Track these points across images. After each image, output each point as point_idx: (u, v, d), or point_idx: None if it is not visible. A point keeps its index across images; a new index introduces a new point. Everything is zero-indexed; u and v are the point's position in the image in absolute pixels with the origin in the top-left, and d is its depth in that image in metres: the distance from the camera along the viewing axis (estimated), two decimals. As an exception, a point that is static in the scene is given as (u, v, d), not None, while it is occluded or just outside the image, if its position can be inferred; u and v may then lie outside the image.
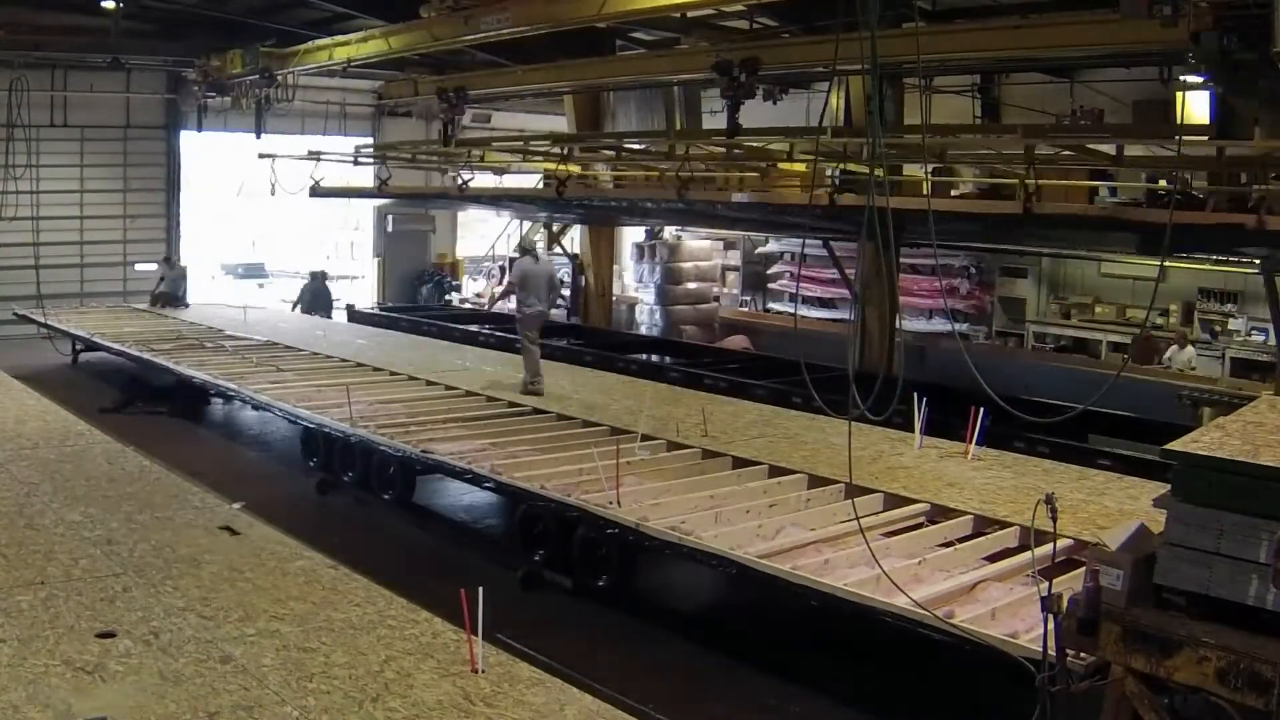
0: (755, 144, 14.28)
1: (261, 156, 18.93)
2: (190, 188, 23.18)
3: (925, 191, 10.58)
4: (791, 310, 21.24)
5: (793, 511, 8.18)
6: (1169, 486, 4.93)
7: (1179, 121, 12.61)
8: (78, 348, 17.47)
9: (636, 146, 17.16)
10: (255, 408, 12.62)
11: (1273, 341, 15.25)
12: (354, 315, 20.69)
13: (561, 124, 22.28)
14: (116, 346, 15.80)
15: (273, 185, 18.83)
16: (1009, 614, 6.11)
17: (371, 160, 20.08)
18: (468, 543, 9.98)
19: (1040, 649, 4.90)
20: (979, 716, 6.63)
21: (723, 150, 14.86)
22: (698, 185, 15.12)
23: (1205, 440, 5.05)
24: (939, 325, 18.75)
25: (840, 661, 7.24)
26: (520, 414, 11.41)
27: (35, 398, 12.06)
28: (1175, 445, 4.92)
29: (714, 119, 12.79)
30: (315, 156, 19.15)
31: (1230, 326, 16.59)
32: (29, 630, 5.57)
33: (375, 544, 9.41)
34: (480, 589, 5.30)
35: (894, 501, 8.30)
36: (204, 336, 16.45)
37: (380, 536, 9.80)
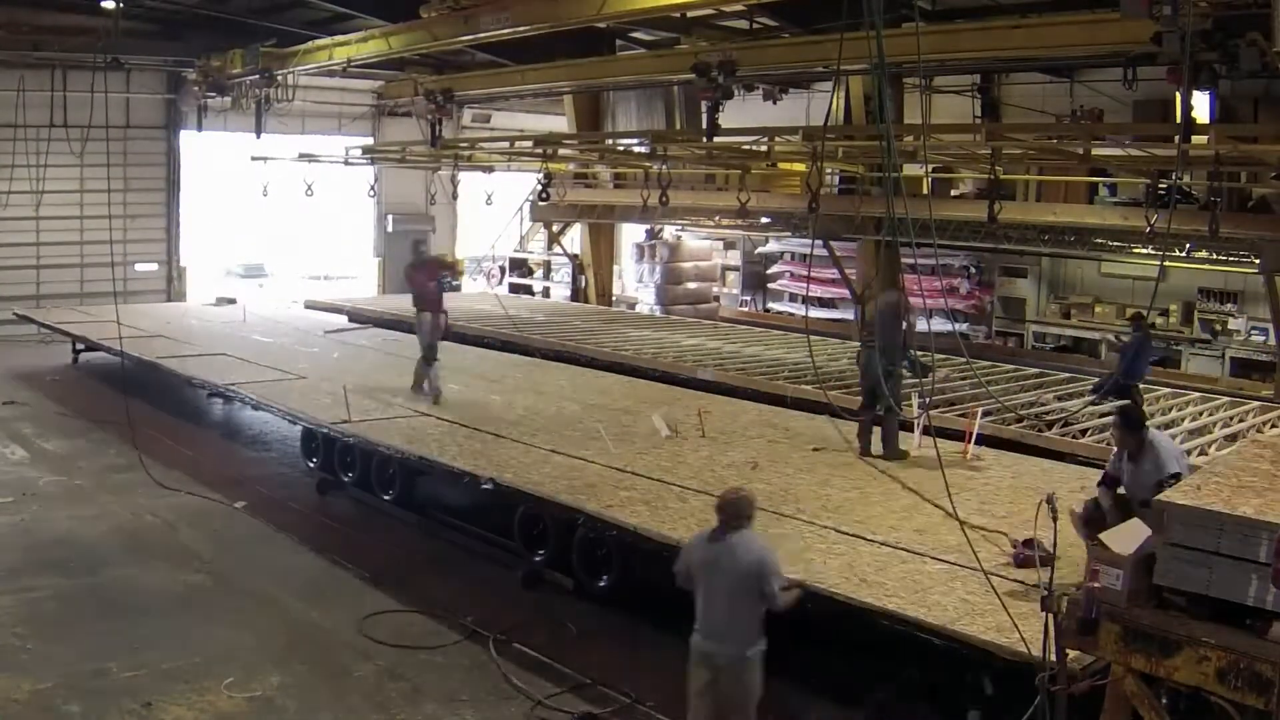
0: (745, 145, 14.22)
1: (254, 159, 18.93)
2: (192, 188, 23.12)
3: (925, 191, 10.60)
4: (791, 310, 21.25)
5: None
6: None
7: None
8: (78, 348, 17.48)
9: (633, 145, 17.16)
10: (255, 408, 12.62)
11: (1273, 341, 15.24)
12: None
13: (561, 124, 22.27)
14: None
15: (265, 187, 18.81)
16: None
17: (360, 162, 20.08)
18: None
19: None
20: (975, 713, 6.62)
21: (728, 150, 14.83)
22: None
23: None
24: (939, 325, 18.68)
25: (838, 660, 7.22)
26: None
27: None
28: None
29: (726, 117, 12.77)
30: (307, 158, 19.17)
31: (1230, 326, 16.57)
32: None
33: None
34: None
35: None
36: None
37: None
